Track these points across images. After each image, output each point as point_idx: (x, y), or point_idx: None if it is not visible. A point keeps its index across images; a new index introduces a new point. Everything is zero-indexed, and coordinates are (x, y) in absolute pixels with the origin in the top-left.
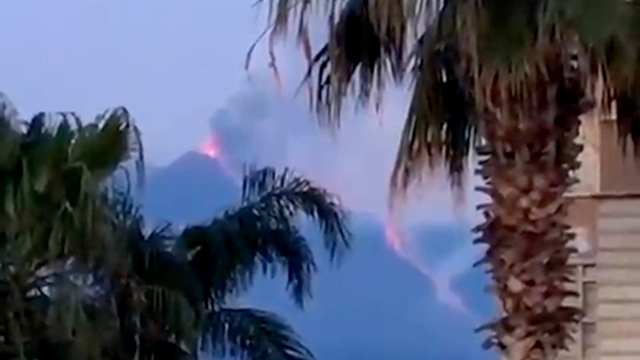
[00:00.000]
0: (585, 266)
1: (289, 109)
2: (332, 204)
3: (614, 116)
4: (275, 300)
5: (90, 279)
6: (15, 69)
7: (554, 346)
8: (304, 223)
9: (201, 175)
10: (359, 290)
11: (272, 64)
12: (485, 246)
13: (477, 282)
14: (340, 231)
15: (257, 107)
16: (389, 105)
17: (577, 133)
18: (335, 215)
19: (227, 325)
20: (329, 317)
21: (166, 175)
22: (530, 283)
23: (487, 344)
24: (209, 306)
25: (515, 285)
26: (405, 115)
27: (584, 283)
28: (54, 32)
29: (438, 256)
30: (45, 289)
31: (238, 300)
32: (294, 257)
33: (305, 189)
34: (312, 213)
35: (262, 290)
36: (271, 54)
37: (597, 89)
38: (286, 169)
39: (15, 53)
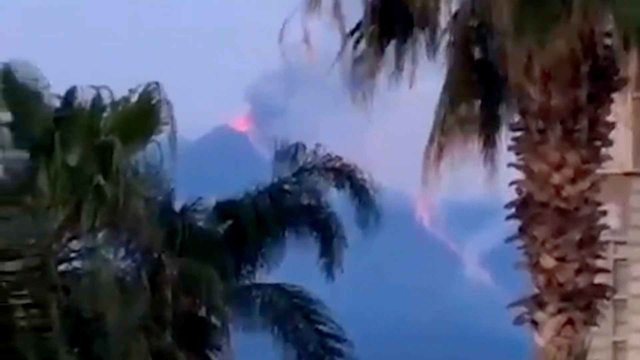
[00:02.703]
0: (617, 243)
1: (321, 85)
2: (363, 179)
3: None
4: (306, 274)
5: (122, 252)
6: (48, 41)
7: (585, 323)
8: (335, 198)
9: (231, 149)
10: (389, 266)
11: (306, 40)
12: (517, 222)
13: (505, 257)
14: (372, 207)
15: (290, 83)
16: (421, 81)
17: (609, 110)
18: (367, 191)
19: (257, 300)
20: (359, 292)
21: (196, 150)
22: (562, 260)
23: (519, 320)
24: (240, 281)
25: (548, 261)
26: (439, 92)
27: (615, 260)
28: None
29: (466, 232)
30: (77, 263)
31: (269, 274)
32: (325, 232)
33: (337, 164)
34: (343, 188)
35: (293, 264)
36: (305, 29)
37: (630, 66)
38: (318, 144)
39: (49, 25)
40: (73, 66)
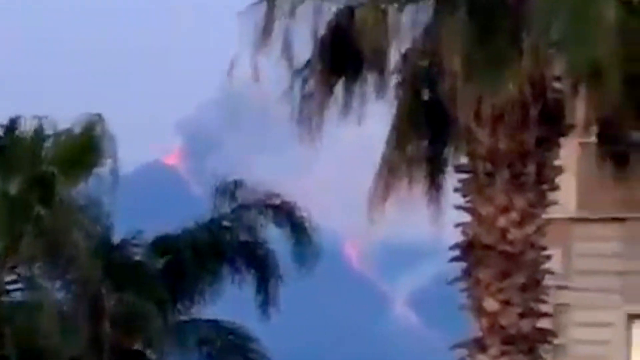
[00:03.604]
0: (559, 288)
1: (260, 121)
2: (302, 217)
3: (592, 139)
4: (242, 311)
5: (60, 284)
6: None
7: None
8: (274, 236)
9: (162, 184)
10: (317, 304)
11: (255, 75)
12: (460, 264)
13: (434, 299)
14: (310, 245)
15: (227, 116)
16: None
17: (557, 155)
18: (305, 229)
19: (194, 336)
20: (287, 330)
21: (128, 183)
22: (506, 303)
23: None
24: (177, 316)
25: (491, 304)
26: (385, 132)
27: (556, 305)
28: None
29: (397, 273)
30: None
31: (206, 310)
32: (263, 269)
33: (277, 201)
34: (282, 226)
35: (231, 301)
36: (254, 65)
37: (578, 111)
38: (257, 182)
39: None
40: (17, 94)
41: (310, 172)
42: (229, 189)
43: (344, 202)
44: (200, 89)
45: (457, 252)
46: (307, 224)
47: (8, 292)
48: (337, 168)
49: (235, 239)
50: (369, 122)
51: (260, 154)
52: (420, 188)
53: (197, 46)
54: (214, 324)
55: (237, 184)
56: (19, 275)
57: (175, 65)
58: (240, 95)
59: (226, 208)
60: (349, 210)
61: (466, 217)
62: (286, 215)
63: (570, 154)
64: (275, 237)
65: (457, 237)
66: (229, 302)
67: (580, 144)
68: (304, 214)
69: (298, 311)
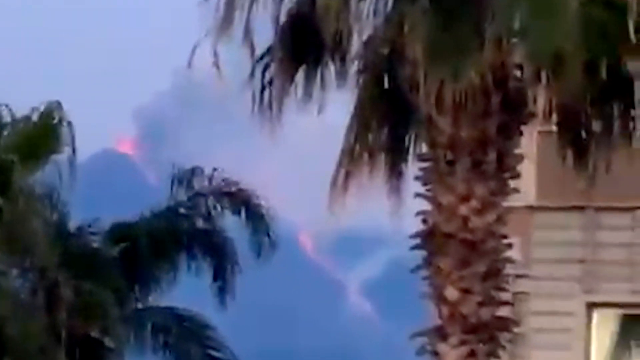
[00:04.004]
0: (518, 276)
1: (218, 109)
2: (259, 205)
3: (552, 127)
4: (199, 300)
5: (17, 271)
6: None
7: (488, 355)
8: (231, 223)
9: (116, 172)
10: (271, 293)
11: (216, 63)
12: (421, 253)
13: (388, 288)
14: (267, 233)
15: (183, 105)
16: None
17: (519, 143)
18: (262, 217)
19: (150, 323)
20: (242, 319)
21: (83, 171)
22: (466, 291)
23: (421, 351)
24: (134, 303)
25: (452, 293)
26: (345, 120)
27: (515, 294)
28: None
29: (352, 261)
30: None
31: (163, 298)
32: (220, 257)
33: (234, 189)
34: (239, 214)
35: (188, 289)
36: (214, 52)
37: (539, 99)
38: (215, 169)
39: None
40: None
41: (267, 161)
42: (185, 177)
43: (300, 192)
44: (155, 78)
45: (417, 241)
46: (264, 212)
47: None
48: (294, 157)
49: (192, 227)
50: (327, 111)
51: (216, 144)
52: (380, 177)
53: (152, 35)
54: (171, 311)
55: (194, 171)
56: None
57: (132, 54)
58: (197, 85)
59: (183, 196)
60: (305, 200)
61: (426, 206)
62: (243, 203)
63: (531, 142)
64: (232, 225)
65: (415, 225)
66: (185, 290)
67: (540, 132)
68: (262, 202)
69: (252, 300)
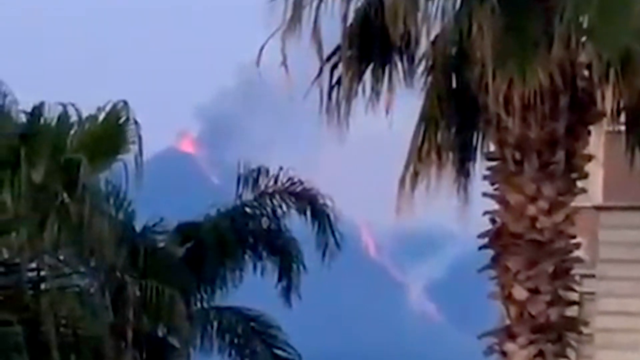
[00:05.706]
0: (584, 276)
1: (282, 108)
2: (325, 205)
3: (620, 127)
4: (264, 299)
5: (84, 271)
6: (15, 58)
7: (556, 355)
8: (296, 223)
9: (179, 171)
10: (335, 294)
11: (284, 62)
12: (490, 252)
13: (451, 288)
14: (332, 233)
15: (246, 104)
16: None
17: (586, 143)
18: (328, 216)
19: (216, 323)
20: (306, 319)
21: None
22: (534, 291)
23: (489, 351)
24: (199, 303)
25: (520, 293)
26: (416, 119)
27: (582, 294)
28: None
29: (414, 261)
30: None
31: (228, 298)
32: (285, 257)
33: (299, 189)
34: (304, 213)
35: (252, 289)
36: (283, 52)
37: (607, 99)
38: (280, 168)
39: (16, 41)
40: (41, 83)
41: (330, 160)
42: (251, 176)
43: (362, 191)
44: (219, 77)
45: (484, 240)
46: (329, 212)
47: (40, 282)
48: (357, 156)
49: (257, 226)
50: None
51: (279, 142)
52: (448, 176)
53: (216, 33)
54: (236, 310)
55: (260, 171)
56: (43, 262)
57: (196, 53)
58: (261, 83)
59: (249, 195)
60: (368, 199)
61: (494, 206)
62: (309, 202)
63: (598, 142)
64: (297, 225)
65: (481, 225)
66: (250, 290)
67: (608, 132)
68: (327, 202)
69: (316, 300)
